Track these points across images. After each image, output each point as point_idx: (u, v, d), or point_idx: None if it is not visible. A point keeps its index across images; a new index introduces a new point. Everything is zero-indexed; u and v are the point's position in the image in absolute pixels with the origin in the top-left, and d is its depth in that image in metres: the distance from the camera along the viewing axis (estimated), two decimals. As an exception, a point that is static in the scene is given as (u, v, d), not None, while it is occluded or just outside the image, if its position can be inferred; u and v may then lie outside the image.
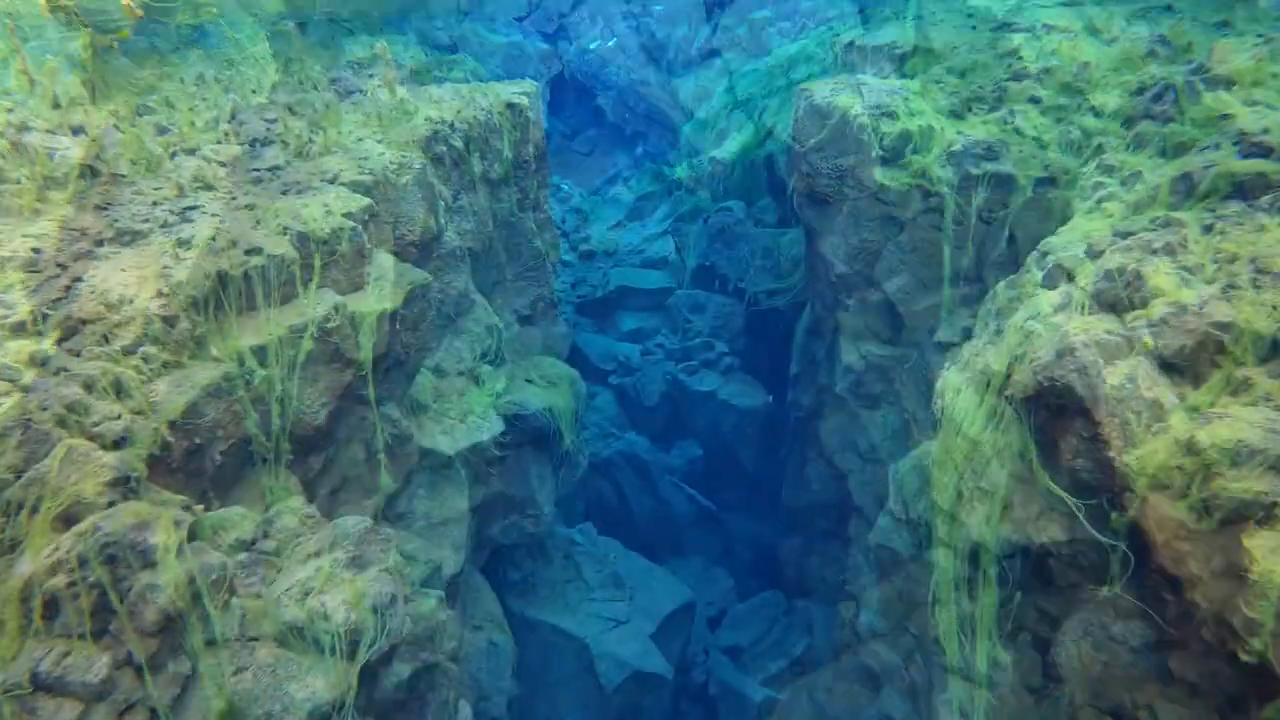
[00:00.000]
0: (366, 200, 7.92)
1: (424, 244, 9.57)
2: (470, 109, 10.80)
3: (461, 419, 9.66)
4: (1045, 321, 6.71)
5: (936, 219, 11.20)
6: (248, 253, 6.74)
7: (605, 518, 16.67)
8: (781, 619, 15.41)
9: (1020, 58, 13.04)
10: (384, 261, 8.19)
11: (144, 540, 4.96)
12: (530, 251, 11.87)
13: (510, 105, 11.09)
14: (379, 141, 9.81)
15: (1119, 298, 6.30)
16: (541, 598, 12.05)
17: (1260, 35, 12.82)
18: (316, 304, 6.97)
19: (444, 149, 10.11)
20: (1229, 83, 10.52)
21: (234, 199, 8.18)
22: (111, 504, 5.12)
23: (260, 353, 6.36)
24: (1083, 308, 6.47)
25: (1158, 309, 5.57)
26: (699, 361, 16.55)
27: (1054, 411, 5.32)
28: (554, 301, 12.18)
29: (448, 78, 19.20)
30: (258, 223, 7.35)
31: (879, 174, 11.41)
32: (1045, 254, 8.72)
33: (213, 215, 7.57)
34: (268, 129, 9.89)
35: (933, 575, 8.54)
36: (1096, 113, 10.84)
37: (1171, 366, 5.24)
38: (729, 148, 20.94)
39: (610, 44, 39.39)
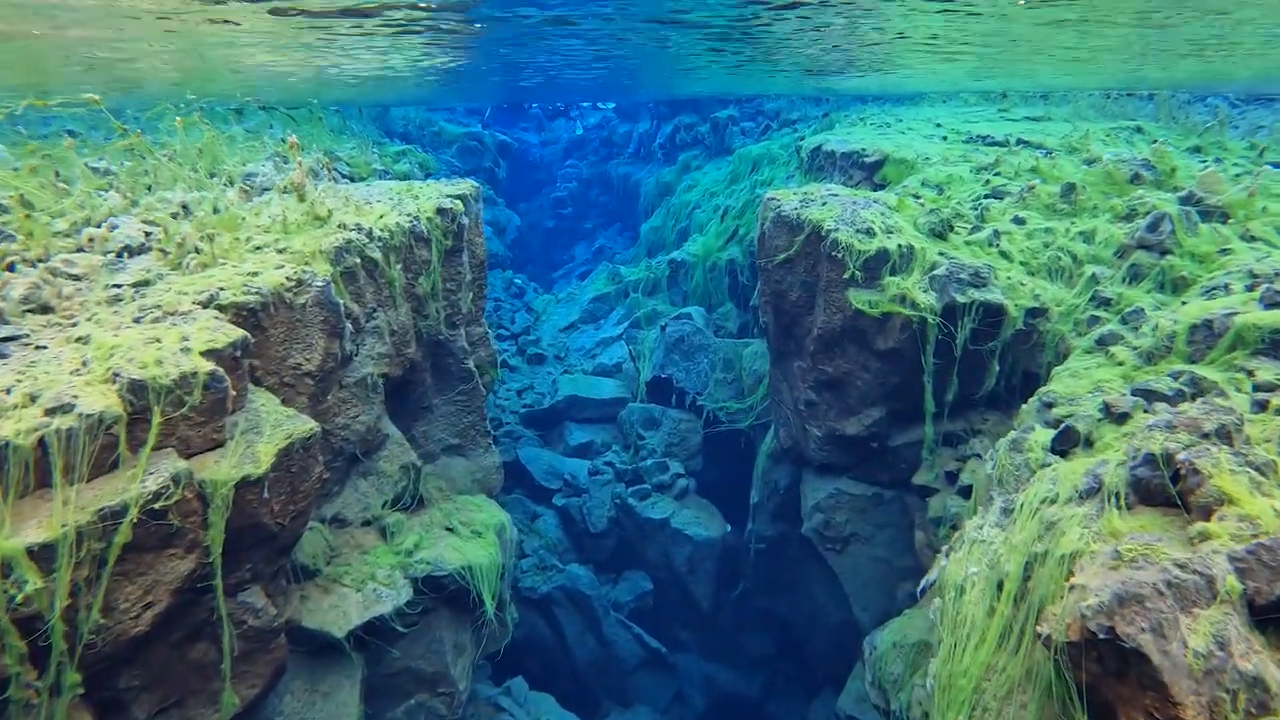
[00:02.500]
0: (238, 333, 6.41)
1: (324, 375, 8.06)
2: (395, 214, 9.47)
3: (359, 586, 7.96)
4: (1071, 513, 5.39)
5: (916, 347, 10.03)
6: (51, 411, 5.15)
7: (541, 660, 14.80)
8: (740, 786, 13.52)
9: (999, 173, 12.24)
10: (260, 406, 6.63)
11: None
12: (461, 373, 10.40)
13: (441, 211, 9.78)
14: (279, 252, 8.39)
15: (1165, 492, 5.02)
16: (457, 782, 10.11)
17: (1237, 164, 12.25)
18: (146, 475, 5.36)
19: (357, 261, 8.70)
20: (1223, 215, 9.70)
21: (73, 325, 6.63)
22: None
23: (46, 553, 4.71)
24: (1118, 499, 5.16)
25: (1231, 528, 4.29)
26: (651, 485, 15.02)
27: (1110, 670, 3.99)
28: (486, 430, 10.65)
29: (391, 170, 18.06)
30: (83, 364, 5.79)
31: (854, 297, 10.26)
32: (1048, 405, 7.50)
33: (32, 350, 6.00)
34: (146, 235, 8.44)
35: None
36: (1086, 238, 9.89)
37: (1269, 621, 3.94)
38: (689, 249, 19.98)
39: (574, 135, 39.03)
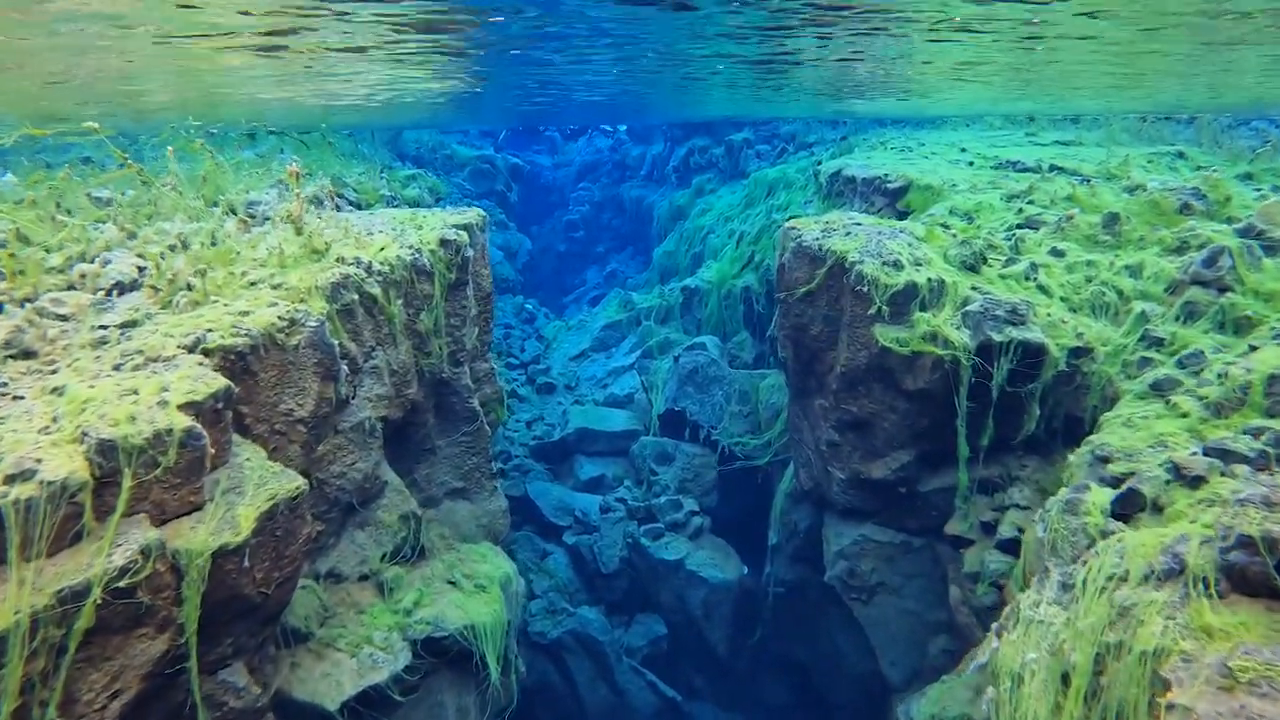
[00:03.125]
0: (221, 383, 5.88)
1: (317, 421, 7.53)
2: (396, 246, 8.98)
3: (354, 651, 7.38)
4: (1148, 599, 4.77)
5: (948, 388, 9.42)
6: (10, 479, 4.62)
7: (551, 708, 14.12)
8: (758, 846, 12.78)
9: (1032, 201, 11.67)
10: (245, 461, 6.09)
11: None
12: (465, 412, 9.86)
13: (444, 243, 9.28)
14: (274, 288, 7.90)
15: (1269, 584, 4.40)
16: None
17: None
18: (113, 549, 4.82)
19: (355, 297, 8.20)
20: (1290, 250, 9.10)
21: (53, 373, 6.13)
22: None
23: (-10, 646, 4.16)
24: (1207, 586, 4.55)
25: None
26: (665, 523, 14.40)
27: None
28: (492, 472, 10.09)
29: (400, 196, 17.65)
30: (53, 420, 5.27)
31: (880, 333, 9.68)
32: (1103, 459, 6.88)
33: (9, 402, 5.49)
34: (139, 270, 7.97)
35: None
36: (1132, 272, 9.29)
37: None
38: (703, 276, 19.46)
39: (586, 159, 38.77)
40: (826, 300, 10.49)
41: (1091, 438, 7.92)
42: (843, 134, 22.42)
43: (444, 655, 8.06)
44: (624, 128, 37.00)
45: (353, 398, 8.20)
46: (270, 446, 7.23)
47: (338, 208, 12.83)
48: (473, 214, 10.61)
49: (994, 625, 5.93)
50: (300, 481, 6.04)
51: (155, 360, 6.23)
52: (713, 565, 14.07)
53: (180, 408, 5.54)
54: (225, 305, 7.31)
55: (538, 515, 15.77)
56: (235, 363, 6.71)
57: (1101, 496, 6.12)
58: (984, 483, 9.82)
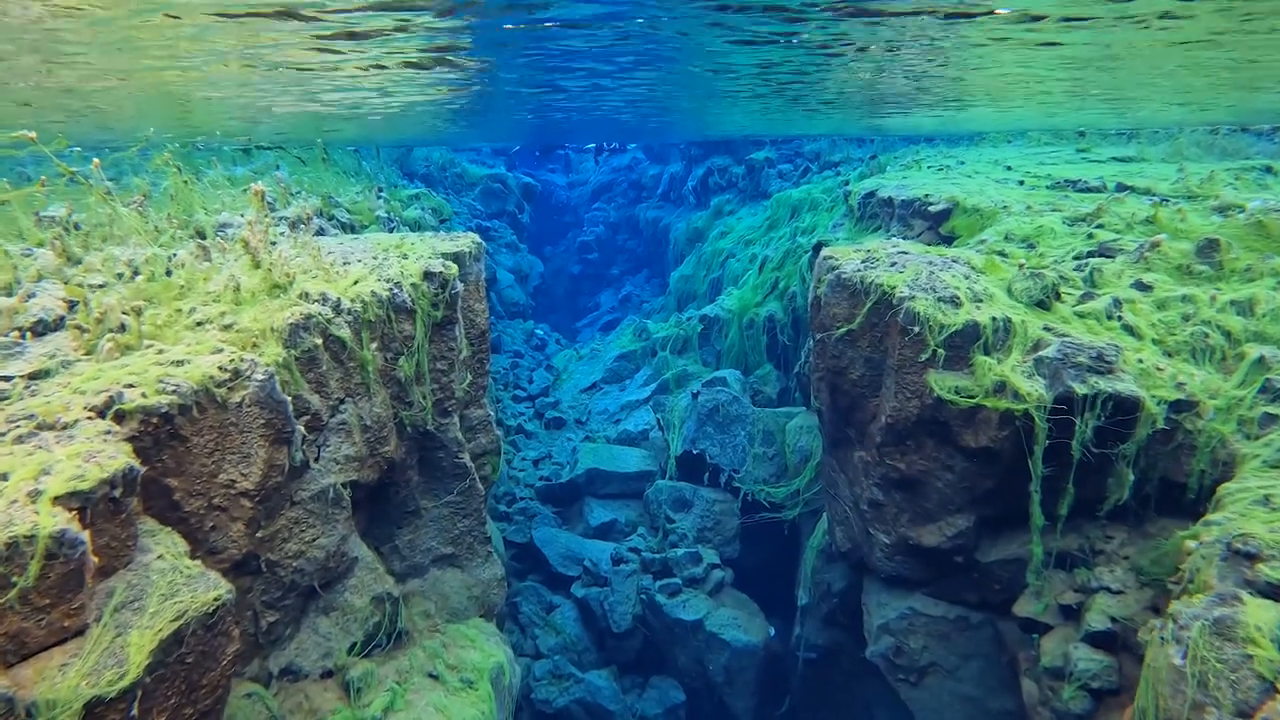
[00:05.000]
0: (119, 464, 4.61)
1: (266, 493, 6.25)
2: (372, 279, 7.72)
3: (304, 775, 6.03)
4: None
5: (1018, 447, 8.02)
6: None
7: (556, 784, 12.71)
8: None
9: (1101, 225, 10.27)
10: (154, 561, 4.80)
11: None
12: (455, 469, 8.56)
13: (429, 275, 8.02)
14: (224, 329, 6.65)
15: None
16: None
17: None
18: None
19: (318, 341, 6.93)
20: None
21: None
22: None
23: None
24: None
25: None
26: (682, 579, 13.00)
27: None
28: (485, 537, 8.77)
29: (399, 218, 16.48)
30: (-121, 522, 4.00)
31: (935, 381, 8.29)
32: (1245, 555, 5.47)
33: None
34: (68, 306, 6.76)
35: None
36: (1241, 310, 7.87)
37: None
38: (724, 304, 18.14)
39: (601, 178, 37.63)
40: (869, 341, 9.13)
41: (1213, 517, 6.49)
42: (872, 152, 21.11)
43: (418, 773, 6.71)
44: (632, 146, 35.84)
45: (314, 461, 6.92)
46: (207, 526, 5.96)
47: (321, 231, 11.64)
48: (465, 240, 9.35)
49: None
50: (221, 590, 4.73)
51: (49, 428, 4.97)
52: (736, 626, 12.65)
53: (57, 500, 4.26)
54: (158, 353, 6.05)
55: (544, 564, 14.42)
56: (158, 428, 5.45)
57: (1264, 615, 4.71)
58: (1060, 556, 8.39)
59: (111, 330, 6.20)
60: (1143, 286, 8.51)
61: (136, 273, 7.25)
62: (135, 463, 4.71)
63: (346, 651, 7.01)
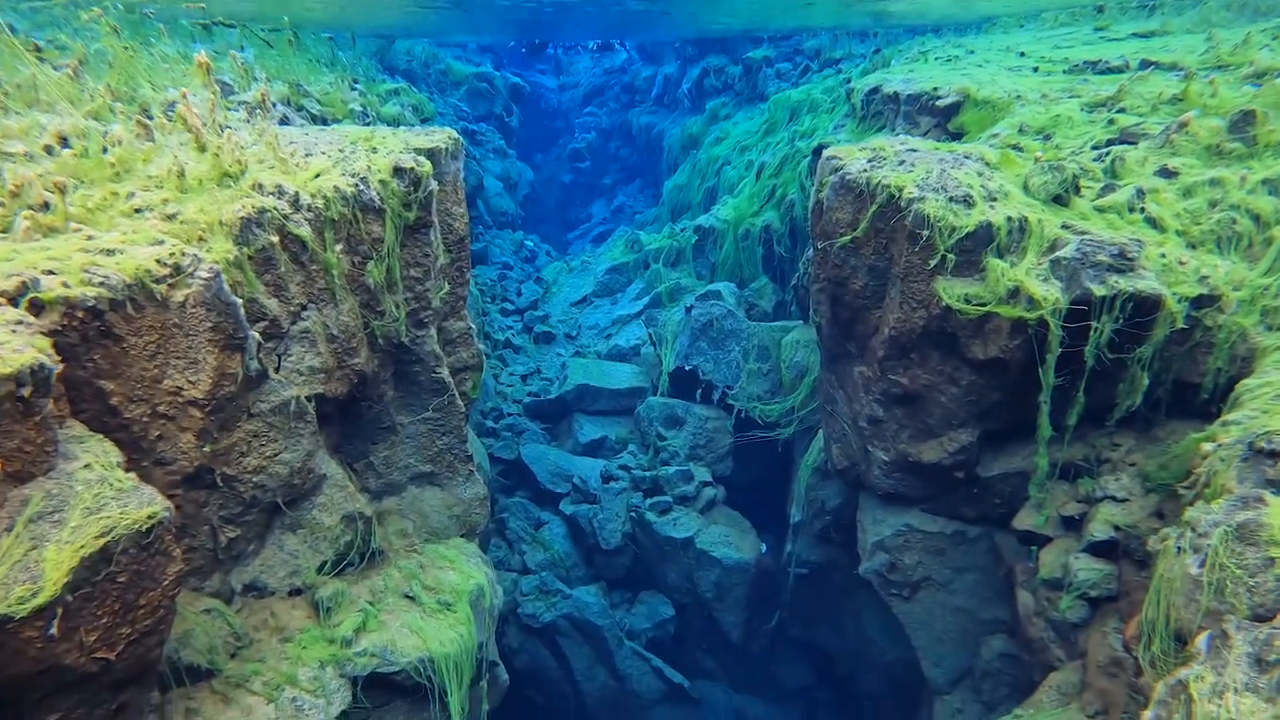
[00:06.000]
0: (27, 358, 4.07)
1: (219, 403, 5.76)
2: (336, 173, 7.06)
3: (272, 694, 5.74)
4: None
5: (1029, 356, 7.56)
6: None
7: (545, 691, 12.73)
8: None
9: (1123, 109, 9.54)
10: (79, 471, 4.32)
11: None
12: (432, 384, 8.07)
13: (399, 171, 7.34)
14: (167, 219, 6.04)
15: None
16: None
17: None
18: None
19: (274, 239, 6.33)
20: None
21: None
22: None
23: None
24: None
25: None
26: (673, 496, 12.73)
27: None
28: (467, 455, 8.35)
29: (376, 113, 15.53)
30: None
31: (943, 289, 7.76)
32: (1269, 455, 5.06)
33: None
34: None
35: None
36: (1274, 189, 7.29)
37: None
38: (718, 214, 17.40)
39: (594, 80, 35.91)
40: (874, 247, 8.53)
41: (1231, 417, 6.09)
42: (875, 47, 19.96)
43: (394, 692, 6.44)
44: (629, 44, 34.05)
45: (274, 371, 6.41)
46: (152, 435, 5.49)
47: (286, 121, 10.82)
48: (442, 136, 8.61)
49: (1146, 715, 4.16)
50: (157, 507, 4.28)
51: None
52: (727, 544, 12.44)
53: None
54: (87, 238, 5.43)
55: (532, 481, 14.15)
56: (85, 323, 4.91)
57: (1293, 525, 4.32)
58: (1065, 467, 8.03)
59: (32, 208, 5.56)
60: (1167, 173, 7.88)
61: (66, 144, 6.50)
62: (49, 360, 4.18)
63: (316, 570, 6.66)
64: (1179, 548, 5.07)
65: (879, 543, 9.48)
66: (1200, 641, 4.32)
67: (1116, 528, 7.16)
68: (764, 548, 12.71)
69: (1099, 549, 7.20)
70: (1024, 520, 8.28)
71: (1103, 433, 7.93)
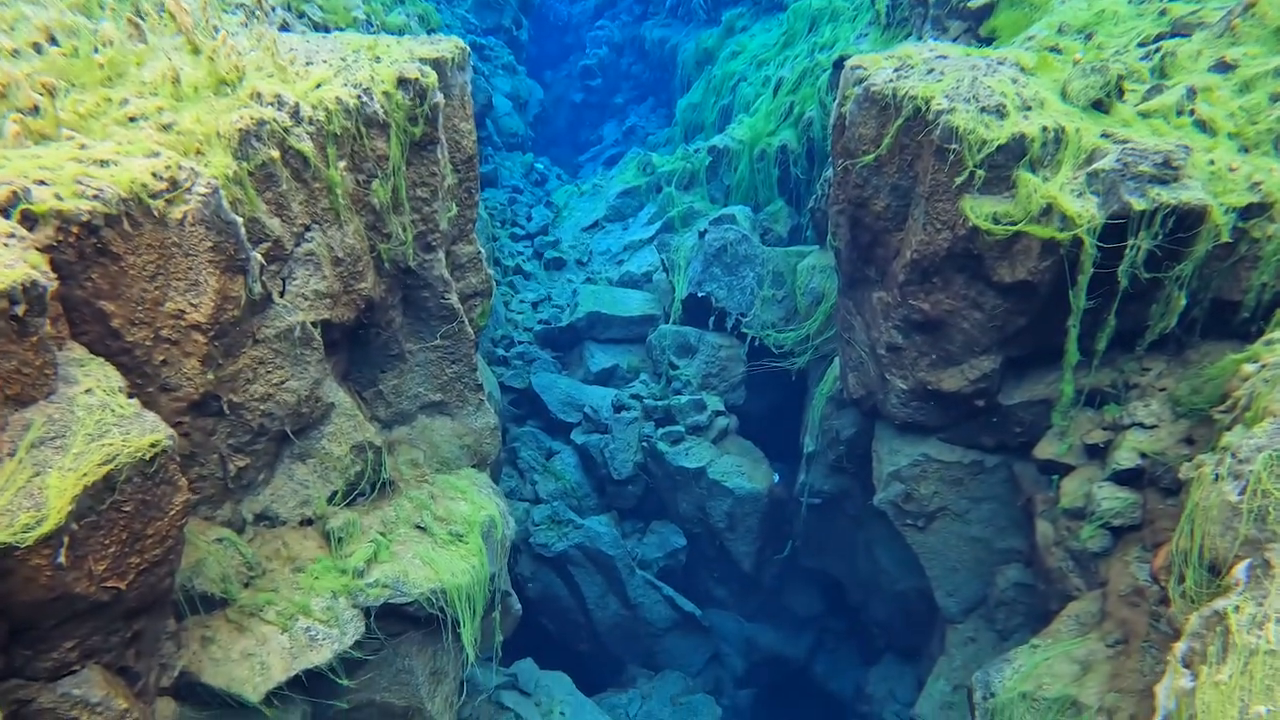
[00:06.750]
0: (18, 274, 3.88)
1: (222, 328, 5.58)
2: (338, 84, 6.71)
3: (286, 624, 5.73)
4: None
5: (1059, 278, 7.28)
6: None
7: (557, 619, 12.91)
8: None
9: (1176, -1, 8.89)
10: (80, 396, 4.17)
11: None
12: (441, 310, 7.85)
13: (404, 83, 6.99)
14: (163, 129, 5.76)
15: None
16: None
17: None
18: None
19: (275, 154, 6.05)
20: None
21: None
22: None
23: None
24: None
25: None
26: (686, 426, 12.63)
27: None
28: (477, 383, 8.19)
29: (381, 22, 14.92)
30: None
31: (970, 208, 7.44)
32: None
33: None
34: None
35: None
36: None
37: None
38: (733, 133, 16.85)
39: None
40: (898, 165, 8.16)
41: (1277, 335, 5.86)
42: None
43: (407, 622, 6.43)
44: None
45: (279, 295, 6.21)
46: (157, 360, 5.34)
47: (286, 27, 10.33)
48: (448, 45, 8.17)
49: (1179, 648, 4.05)
50: (160, 435, 4.15)
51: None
52: (739, 473, 12.39)
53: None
54: (80, 147, 5.17)
55: (543, 410, 14.06)
56: (81, 239, 4.70)
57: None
58: (1090, 394, 7.83)
59: (20, 111, 5.27)
60: (1224, 67, 7.40)
61: (54, 42, 6.14)
62: (44, 277, 3.99)
63: (327, 501, 6.58)
64: (1216, 474, 4.89)
65: (895, 473, 9.37)
66: (1239, 571, 4.18)
67: (1143, 455, 7.00)
68: (776, 478, 12.66)
69: (1124, 477, 7.05)
70: (1046, 449, 8.13)
71: (1132, 357, 7.70)
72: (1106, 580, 6.82)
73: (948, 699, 9.26)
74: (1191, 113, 7.00)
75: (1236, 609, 3.88)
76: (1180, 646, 4.02)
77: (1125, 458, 7.05)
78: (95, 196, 4.77)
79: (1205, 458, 5.27)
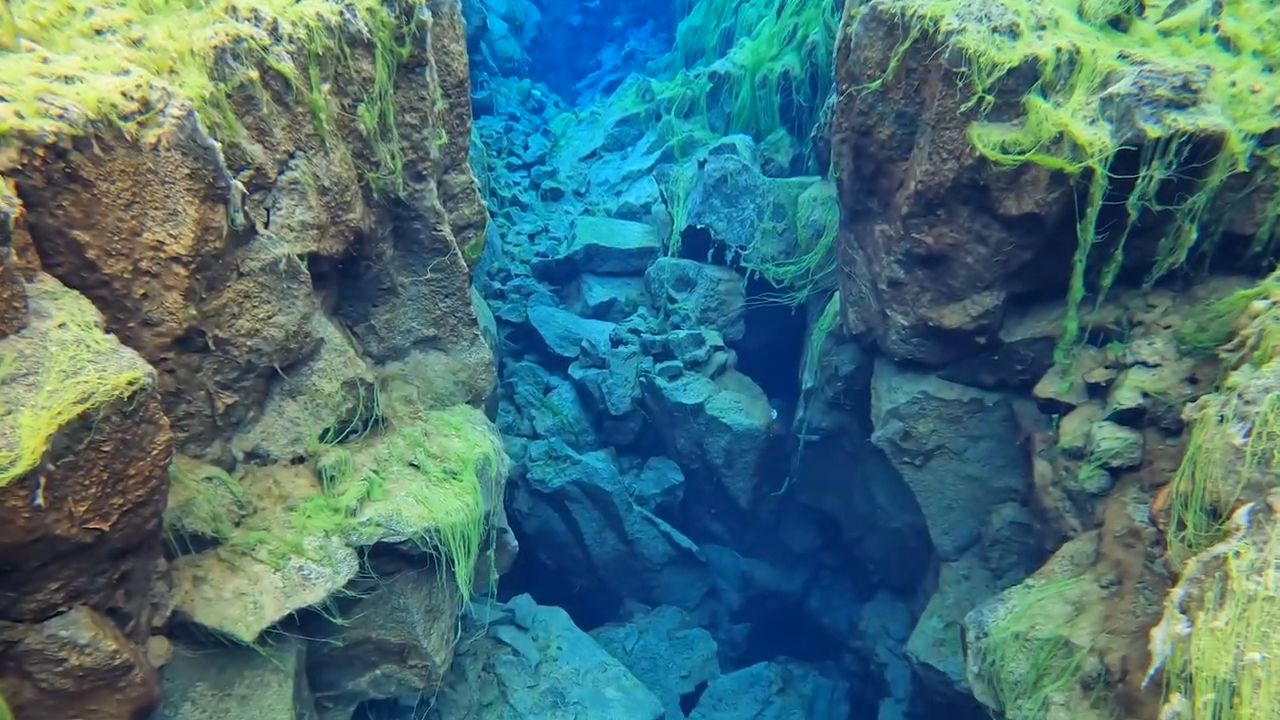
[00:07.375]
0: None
1: (204, 260, 5.40)
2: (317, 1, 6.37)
3: (278, 563, 5.71)
4: None
5: (1067, 211, 7.07)
6: None
7: (555, 554, 13.04)
8: (775, 699, 12.00)
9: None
10: (53, 330, 4.03)
11: None
12: (433, 243, 7.64)
13: None
14: (133, 44, 5.48)
15: None
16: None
17: None
18: None
19: (254, 74, 5.77)
20: None
21: None
22: None
23: None
24: None
25: None
26: (684, 361, 12.52)
27: None
28: (471, 318, 8.04)
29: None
30: None
31: (977, 135, 7.18)
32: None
33: None
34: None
35: None
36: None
37: None
38: (735, 58, 16.28)
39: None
40: (904, 91, 7.84)
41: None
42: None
43: (401, 561, 6.43)
44: None
45: (263, 226, 6.00)
46: (137, 294, 5.18)
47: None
48: (434, -38, 7.77)
49: (1176, 593, 4.01)
50: (139, 372, 4.02)
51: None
52: (737, 409, 12.33)
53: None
54: (41, 60, 4.90)
55: (541, 344, 13.93)
56: (48, 163, 4.48)
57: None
58: (1094, 331, 7.69)
59: None
60: None
61: None
62: (4, 203, 3.80)
63: (318, 438, 6.50)
64: (1221, 416, 4.79)
65: (893, 410, 9.29)
66: (1240, 515, 4.11)
67: (1145, 394, 6.90)
68: (774, 414, 12.61)
69: (1124, 417, 6.97)
70: (1046, 387, 8.02)
71: (1137, 293, 7.53)
72: (1103, 521, 6.80)
73: (940, 635, 9.39)
74: (1215, 29, 6.66)
75: (1237, 554, 3.81)
76: (1178, 592, 3.98)
77: (1127, 397, 6.95)
78: (60, 116, 4.52)
79: (1210, 398, 5.16)
